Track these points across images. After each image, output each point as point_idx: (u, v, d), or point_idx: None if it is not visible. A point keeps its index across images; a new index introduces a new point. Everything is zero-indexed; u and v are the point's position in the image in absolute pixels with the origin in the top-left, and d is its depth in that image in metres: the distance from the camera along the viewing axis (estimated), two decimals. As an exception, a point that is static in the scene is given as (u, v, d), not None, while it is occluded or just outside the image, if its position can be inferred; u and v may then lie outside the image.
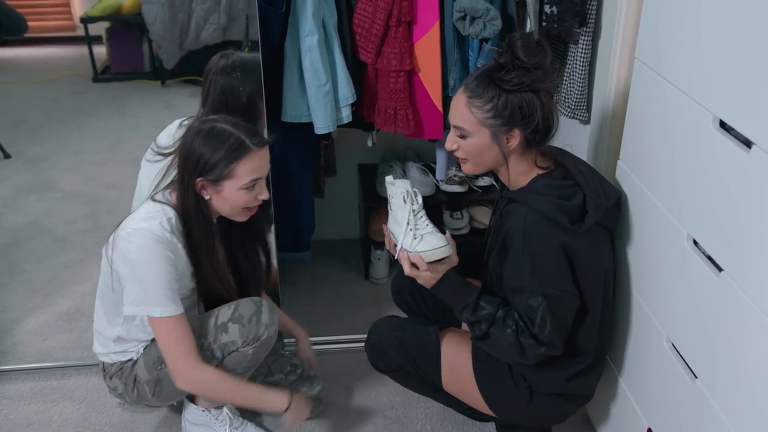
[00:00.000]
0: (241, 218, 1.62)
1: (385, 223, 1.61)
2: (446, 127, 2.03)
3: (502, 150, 1.48)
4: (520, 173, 1.53)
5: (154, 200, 1.60)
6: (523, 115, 1.43)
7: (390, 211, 1.58)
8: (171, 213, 1.58)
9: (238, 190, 1.55)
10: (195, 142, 1.53)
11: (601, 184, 1.49)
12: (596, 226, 1.46)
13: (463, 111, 1.48)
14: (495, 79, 1.44)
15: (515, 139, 1.46)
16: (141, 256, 1.52)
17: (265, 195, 1.60)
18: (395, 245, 1.54)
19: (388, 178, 1.57)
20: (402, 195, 1.52)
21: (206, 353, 1.65)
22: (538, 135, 1.47)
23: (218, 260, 1.66)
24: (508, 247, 1.49)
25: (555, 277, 1.43)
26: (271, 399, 1.68)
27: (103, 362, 1.76)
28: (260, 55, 1.87)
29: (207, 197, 1.57)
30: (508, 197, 1.54)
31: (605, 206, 1.46)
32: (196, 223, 1.58)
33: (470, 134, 1.49)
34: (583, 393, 1.64)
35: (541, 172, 1.51)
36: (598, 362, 1.61)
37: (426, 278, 1.52)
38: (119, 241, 1.54)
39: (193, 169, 1.53)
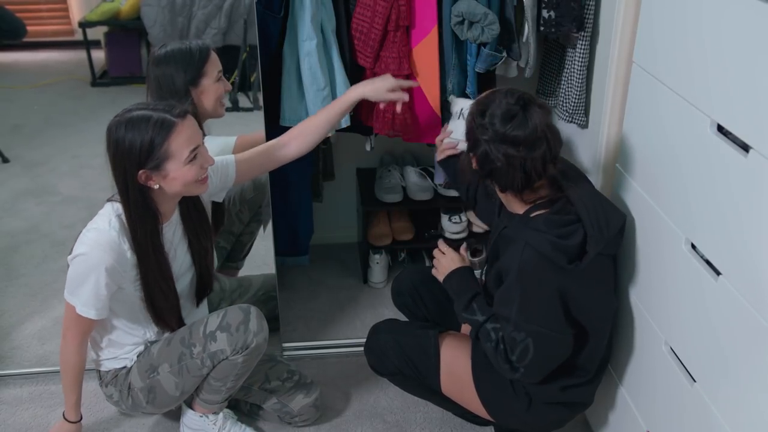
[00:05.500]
0: (198, 190, 1.60)
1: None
2: (444, 132, 2.03)
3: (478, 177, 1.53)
4: (512, 201, 1.52)
5: (108, 200, 1.60)
6: (481, 165, 1.46)
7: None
8: (121, 210, 1.56)
9: (183, 166, 1.51)
10: (118, 135, 1.48)
11: (604, 214, 1.44)
12: (597, 255, 1.42)
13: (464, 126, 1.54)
14: (474, 119, 1.46)
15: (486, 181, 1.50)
16: (82, 261, 1.53)
17: (210, 161, 1.57)
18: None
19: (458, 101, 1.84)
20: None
21: (197, 362, 1.65)
22: (503, 188, 1.48)
23: (165, 259, 1.62)
24: (503, 277, 1.48)
25: (543, 316, 1.43)
26: (69, 408, 1.75)
27: (99, 370, 1.77)
28: (258, 59, 1.88)
29: (156, 186, 1.53)
30: (505, 225, 1.55)
31: (606, 238, 1.42)
32: (139, 222, 1.55)
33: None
34: (581, 401, 1.64)
35: (534, 204, 1.49)
36: (600, 372, 1.61)
37: (444, 263, 1.63)
38: (75, 243, 1.56)
39: (129, 163, 1.49)
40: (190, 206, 1.69)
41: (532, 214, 1.48)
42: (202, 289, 1.79)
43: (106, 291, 1.56)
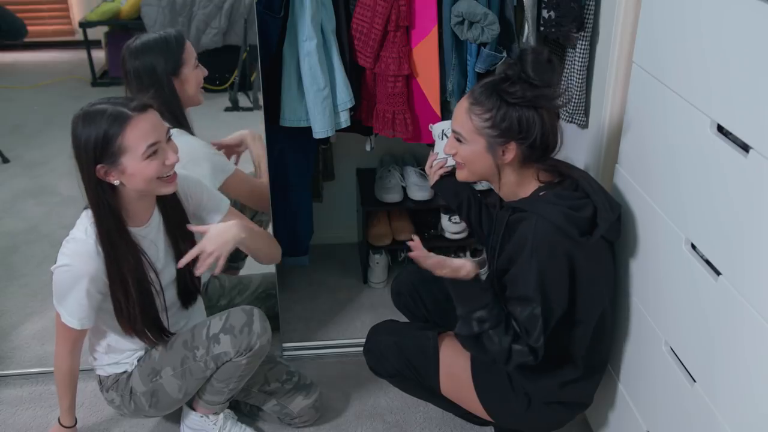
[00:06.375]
0: (165, 190, 1.53)
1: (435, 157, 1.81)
2: (444, 132, 2.03)
3: (496, 161, 1.48)
4: (519, 185, 1.51)
5: (85, 208, 1.57)
6: (521, 129, 1.42)
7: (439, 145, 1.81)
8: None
9: (141, 162, 1.45)
10: (77, 130, 1.45)
11: (606, 197, 1.48)
12: (600, 238, 1.44)
13: (463, 117, 1.48)
14: (499, 90, 1.43)
15: (511, 152, 1.45)
16: (64, 272, 1.53)
17: (172, 158, 1.50)
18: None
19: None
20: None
21: (200, 364, 1.65)
22: (535, 152, 1.46)
23: (131, 262, 1.56)
24: (515, 257, 1.47)
25: (556, 289, 1.42)
26: (63, 413, 1.78)
27: (99, 375, 1.77)
28: (259, 59, 1.88)
29: (116, 182, 1.47)
30: (512, 207, 1.53)
31: (611, 220, 1.45)
32: (100, 220, 1.51)
33: (466, 141, 1.49)
34: (580, 401, 1.64)
35: (542, 184, 1.50)
36: (595, 371, 1.61)
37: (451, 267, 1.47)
38: (58, 254, 1.55)
39: (86, 158, 1.44)
40: (168, 207, 1.65)
41: (541, 193, 1.49)
42: (186, 293, 1.75)
43: (88, 301, 1.55)
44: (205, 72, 1.88)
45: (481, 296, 1.47)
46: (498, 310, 1.46)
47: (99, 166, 1.45)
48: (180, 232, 1.67)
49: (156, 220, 1.64)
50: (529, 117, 1.42)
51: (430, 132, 2.05)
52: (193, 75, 1.83)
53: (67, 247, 1.54)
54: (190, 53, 1.83)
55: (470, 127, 1.47)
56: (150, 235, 1.62)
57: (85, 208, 1.57)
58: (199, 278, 1.76)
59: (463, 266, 1.47)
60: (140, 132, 1.45)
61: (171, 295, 1.71)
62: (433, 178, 1.81)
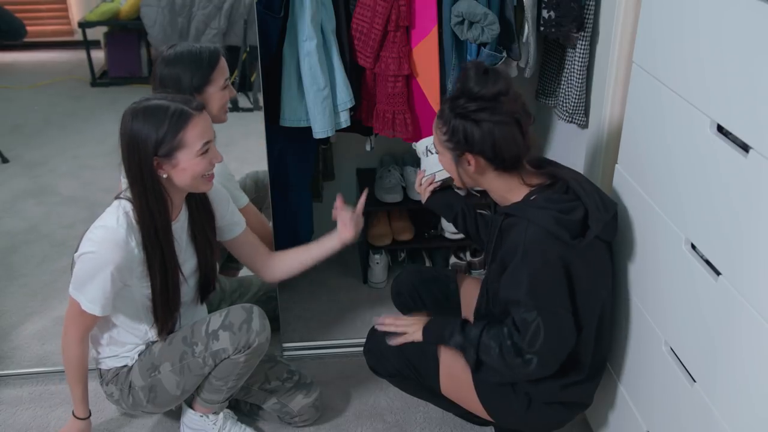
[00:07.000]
0: (205, 187, 1.60)
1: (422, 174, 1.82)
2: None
3: (465, 171, 1.51)
4: (507, 191, 1.51)
5: (116, 197, 1.61)
6: (467, 141, 1.44)
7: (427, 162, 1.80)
8: (129, 207, 1.57)
9: (194, 158, 1.53)
10: (135, 124, 1.50)
11: (600, 197, 1.48)
12: (595, 239, 1.44)
13: (434, 131, 1.54)
14: (450, 104, 1.47)
15: (472, 163, 1.47)
16: (90, 258, 1.54)
17: (219, 158, 1.59)
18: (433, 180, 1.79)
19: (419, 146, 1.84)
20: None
21: (199, 361, 1.65)
22: (496, 161, 1.46)
23: (172, 253, 1.62)
24: (507, 262, 1.47)
25: (552, 293, 1.42)
26: (77, 404, 1.75)
27: (100, 369, 1.77)
28: (259, 59, 1.88)
29: (164, 175, 1.54)
30: (504, 212, 1.53)
31: (604, 220, 1.45)
32: (152, 212, 1.55)
33: (440, 153, 1.55)
34: (581, 401, 1.64)
35: (532, 188, 1.50)
36: (597, 372, 1.61)
37: (412, 327, 1.65)
38: (82, 240, 1.56)
39: (144, 150, 1.50)
40: (198, 202, 1.70)
41: (532, 198, 1.49)
42: (206, 286, 1.80)
43: (112, 288, 1.56)
44: (234, 93, 1.85)
45: (451, 336, 1.57)
46: (475, 331, 1.53)
47: (154, 158, 1.51)
48: (206, 223, 1.72)
49: (183, 216, 1.68)
50: (469, 129, 1.43)
51: (430, 130, 2.05)
52: (218, 95, 1.79)
53: (95, 233, 1.55)
54: (221, 73, 1.79)
55: (437, 141, 1.53)
56: (176, 230, 1.65)
57: (117, 197, 1.60)
58: (216, 272, 1.81)
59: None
60: (199, 130, 1.53)
61: (185, 290, 1.73)
62: (425, 195, 1.82)
